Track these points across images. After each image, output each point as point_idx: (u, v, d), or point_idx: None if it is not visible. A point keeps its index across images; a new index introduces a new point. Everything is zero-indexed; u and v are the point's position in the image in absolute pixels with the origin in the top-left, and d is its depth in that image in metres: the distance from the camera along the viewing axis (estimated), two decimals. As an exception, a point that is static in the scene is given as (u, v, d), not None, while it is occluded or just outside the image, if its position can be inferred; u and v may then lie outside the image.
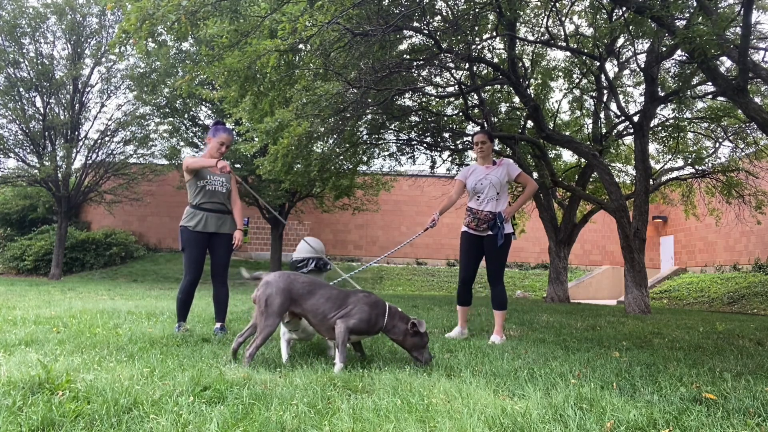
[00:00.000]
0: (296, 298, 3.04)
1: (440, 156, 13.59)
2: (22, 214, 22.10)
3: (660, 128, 12.73)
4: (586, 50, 11.06)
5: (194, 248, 4.14)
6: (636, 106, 13.17)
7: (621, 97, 12.56)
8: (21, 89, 16.87)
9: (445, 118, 12.37)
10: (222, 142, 4.26)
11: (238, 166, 16.89)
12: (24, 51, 16.75)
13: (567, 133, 13.59)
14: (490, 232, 4.37)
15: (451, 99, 12.00)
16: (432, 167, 13.67)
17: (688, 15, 7.97)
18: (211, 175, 4.22)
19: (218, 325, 4.26)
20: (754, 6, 7.77)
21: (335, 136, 10.52)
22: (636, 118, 10.34)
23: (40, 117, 17.37)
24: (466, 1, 8.60)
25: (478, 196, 4.44)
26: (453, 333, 4.52)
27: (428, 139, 12.74)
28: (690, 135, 13.29)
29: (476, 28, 9.00)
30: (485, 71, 11.74)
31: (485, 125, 11.51)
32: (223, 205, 4.28)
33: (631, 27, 8.52)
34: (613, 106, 12.24)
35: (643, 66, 10.06)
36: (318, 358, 3.25)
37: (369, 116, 10.97)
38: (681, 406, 2.26)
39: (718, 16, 6.14)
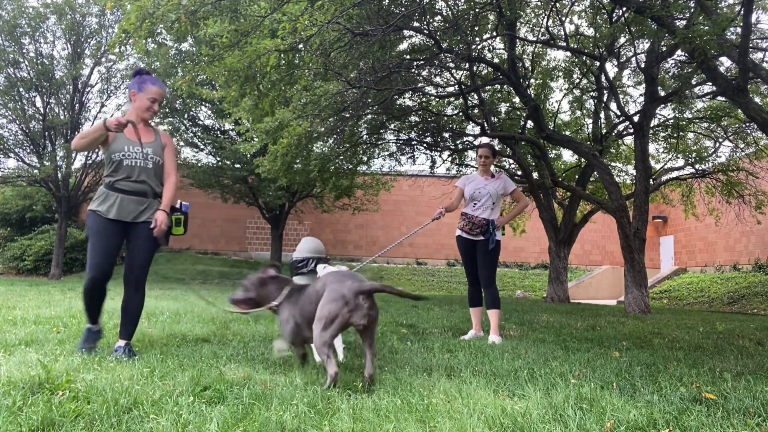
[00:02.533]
0: None
1: (440, 156, 13.59)
2: (22, 214, 22.09)
3: (660, 128, 12.73)
4: (586, 50, 11.06)
5: (101, 238, 3.12)
6: (636, 106, 13.17)
7: (621, 97, 12.56)
8: (21, 89, 16.86)
9: (445, 118, 12.36)
10: (153, 98, 3.26)
11: (238, 166, 16.89)
12: (24, 51, 16.74)
13: (567, 133, 13.59)
14: (482, 237, 4.59)
15: (451, 99, 12.00)
16: (432, 167, 13.67)
17: (688, 15, 7.97)
18: (131, 144, 3.19)
19: (121, 343, 3.19)
20: (755, 6, 7.77)
21: (335, 136, 10.52)
22: (636, 118, 10.34)
23: (40, 117, 17.36)
24: (466, 1, 8.60)
25: (475, 204, 4.69)
26: (468, 336, 4.57)
27: (428, 139, 12.74)
28: (690, 135, 13.29)
29: (476, 28, 9.01)
30: (485, 71, 11.74)
31: (485, 125, 11.51)
32: (147, 185, 3.22)
33: (631, 27, 8.52)
34: (613, 106, 12.24)
35: (643, 66, 10.06)
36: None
37: (369, 116, 10.96)
38: (681, 406, 2.26)
39: (718, 16, 6.14)
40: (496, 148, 6.05)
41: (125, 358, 3.01)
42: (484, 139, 11.28)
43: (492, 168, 4.95)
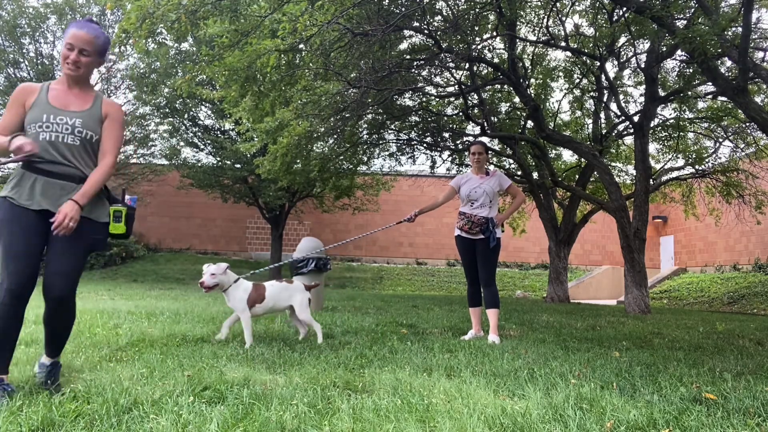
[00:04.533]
0: None
1: (440, 156, 13.58)
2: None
3: (660, 128, 12.73)
4: (586, 50, 11.06)
5: (17, 234, 2.28)
6: (636, 106, 13.16)
7: (621, 97, 12.55)
8: (21, 89, 16.85)
9: (445, 118, 12.36)
10: (70, 44, 2.43)
11: (238, 166, 16.88)
12: (24, 51, 16.75)
13: (567, 133, 13.58)
14: (482, 236, 4.58)
15: (451, 99, 12.00)
16: (432, 167, 13.67)
17: (688, 15, 7.97)
18: (54, 112, 2.43)
19: (46, 360, 2.52)
20: (755, 6, 7.76)
21: (335, 136, 10.52)
22: (636, 118, 10.34)
23: (40, 117, 17.34)
24: (466, 1, 8.59)
25: (472, 203, 4.68)
26: (468, 336, 4.56)
27: (428, 139, 12.73)
28: (690, 135, 13.29)
29: (476, 28, 9.00)
30: (485, 71, 11.74)
31: (485, 125, 11.50)
32: (72, 167, 2.42)
33: (631, 27, 8.52)
34: (614, 106, 12.24)
35: (643, 66, 10.06)
36: (318, 357, 3.25)
37: (369, 116, 10.96)
38: (681, 406, 2.26)
39: (718, 16, 6.14)
40: (489, 146, 6.08)
41: (45, 378, 2.40)
42: (484, 139, 11.28)
43: (488, 166, 4.96)
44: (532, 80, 12.67)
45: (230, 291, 3.78)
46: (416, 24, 8.23)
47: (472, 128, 12.76)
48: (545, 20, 9.89)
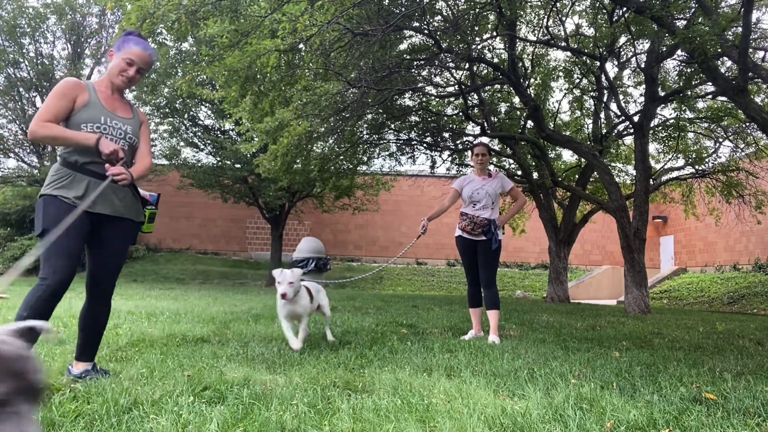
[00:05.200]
0: None
1: (440, 156, 13.58)
2: (22, 214, 22.10)
3: (660, 128, 12.73)
4: (586, 50, 11.06)
5: (67, 233, 2.25)
6: (636, 106, 13.16)
7: (621, 97, 12.55)
8: (21, 89, 16.88)
9: (445, 118, 12.36)
10: (130, 59, 2.52)
11: (238, 166, 16.89)
12: (24, 51, 16.76)
13: (567, 133, 13.58)
14: (483, 237, 4.58)
15: (451, 99, 12.00)
16: (432, 167, 13.67)
17: (688, 15, 7.97)
18: (110, 116, 2.50)
19: (87, 365, 2.56)
20: (755, 6, 7.76)
21: (335, 136, 10.52)
22: (636, 118, 10.34)
23: (40, 117, 17.37)
24: (466, 1, 8.59)
25: (474, 204, 4.69)
26: (468, 336, 4.56)
27: (428, 139, 12.74)
28: (690, 135, 13.29)
29: (476, 28, 9.00)
30: (485, 71, 11.74)
31: (485, 125, 11.50)
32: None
33: (631, 27, 8.52)
34: (614, 106, 12.24)
35: (643, 66, 10.06)
36: (318, 357, 3.25)
37: (369, 116, 10.96)
38: (681, 406, 2.26)
39: (718, 16, 6.14)
40: (492, 147, 6.09)
41: (101, 377, 2.47)
42: (484, 139, 11.28)
43: (491, 167, 4.98)
44: (532, 80, 12.67)
45: (298, 296, 3.53)
46: (416, 24, 8.23)
47: (472, 128, 12.77)
48: (545, 20, 9.89)
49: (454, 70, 10.61)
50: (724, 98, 10.41)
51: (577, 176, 13.95)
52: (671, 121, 12.45)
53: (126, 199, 2.54)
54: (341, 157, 12.22)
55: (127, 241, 2.58)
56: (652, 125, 11.35)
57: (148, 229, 2.67)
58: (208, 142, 17.91)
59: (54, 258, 2.30)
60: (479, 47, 9.93)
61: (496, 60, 11.37)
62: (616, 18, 9.02)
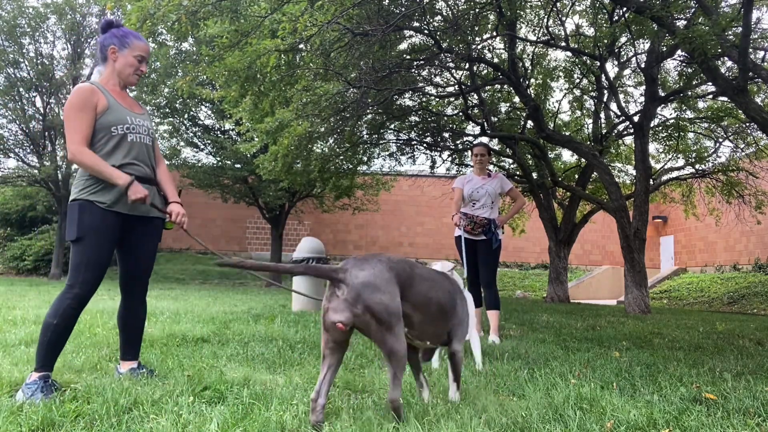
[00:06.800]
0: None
1: (440, 156, 13.58)
2: (22, 214, 22.11)
3: (660, 128, 12.73)
4: (586, 50, 11.06)
5: (102, 240, 2.37)
6: (636, 106, 13.16)
7: (621, 97, 12.55)
8: (21, 89, 16.88)
9: (445, 118, 12.35)
10: (141, 55, 2.56)
11: (238, 166, 16.89)
12: (24, 51, 16.74)
13: (567, 133, 13.58)
14: (483, 237, 4.60)
15: (451, 99, 11.99)
16: (432, 167, 13.66)
17: (688, 15, 7.97)
18: (133, 115, 2.54)
19: (132, 364, 2.64)
20: (755, 6, 7.76)
21: (335, 136, 10.52)
22: (636, 118, 10.34)
23: (40, 117, 17.38)
24: (466, 1, 8.59)
25: (474, 203, 4.72)
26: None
27: (428, 139, 12.73)
28: (690, 135, 13.29)
29: (476, 28, 9.00)
30: (485, 71, 11.73)
31: (485, 125, 11.50)
32: (150, 169, 2.60)
33: (631, 27, 8.52)
34: (614, 106, 12.24)
35: (643, 66, 10.06)
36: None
37: (369, 116, 10.96)
38: (681, 406, 2.26)
39: (718, 16, 6.14)
40: (492, 147, 6.09)
41: (149, 376, 2.56)
42: (484, 139, 11.28)
43: (491, 167, 4.98)
44: (532, 80, 12.67)
45: None
46: (416, 24, 8.23)
47: (472, 128, 12.76)
48: (545, 20, 9.89)
49: (454, 70, 10.61)
50: (724, 98, 10.41)
51: (577, 176, 13.95)
52: (671, 121, 12.44)
53: (155, 199, 2.57)
54: (341, 157, 12.22)
55: (156, 239, 2.65)
56: (652, 125, 11.35)
57: (170, 226, 2.71)
58: (208, 142, 17.91)
59: (85, 268, 2.35)
60: (479, 47, 9.92)
61: (496, 60, 11.37)
62: (616, 18, 9.02)
